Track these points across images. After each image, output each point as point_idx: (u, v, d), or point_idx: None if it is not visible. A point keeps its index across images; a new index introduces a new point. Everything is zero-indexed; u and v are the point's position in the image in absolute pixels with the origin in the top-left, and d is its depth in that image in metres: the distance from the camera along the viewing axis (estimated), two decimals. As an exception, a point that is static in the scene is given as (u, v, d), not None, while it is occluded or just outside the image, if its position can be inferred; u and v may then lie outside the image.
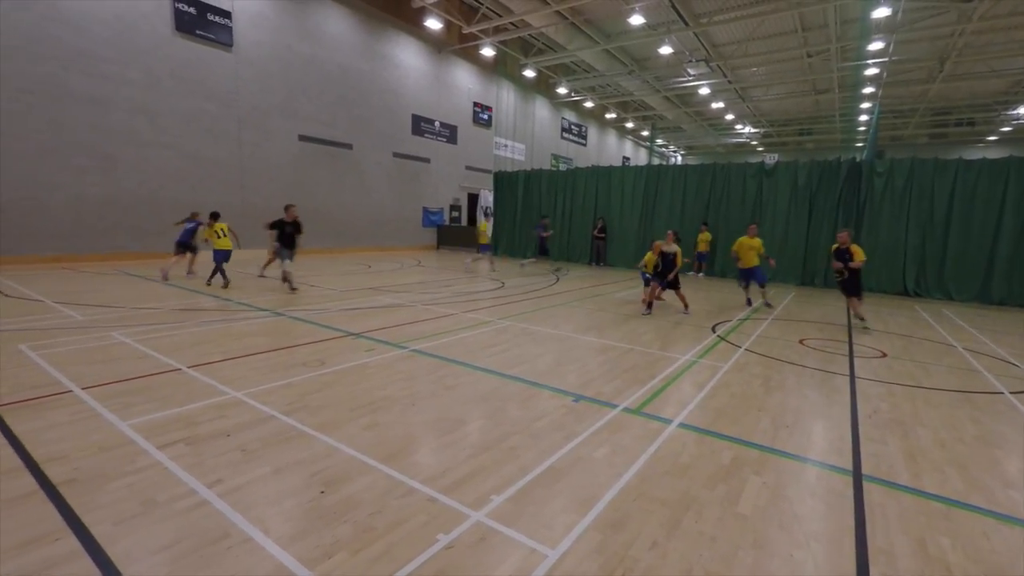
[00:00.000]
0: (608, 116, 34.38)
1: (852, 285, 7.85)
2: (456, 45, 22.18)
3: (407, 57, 20.90)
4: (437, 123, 22.68)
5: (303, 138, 17.47)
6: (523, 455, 3.22)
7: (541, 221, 16.31)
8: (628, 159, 40.64)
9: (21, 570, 2.03)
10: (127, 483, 2.70)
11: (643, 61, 24.00)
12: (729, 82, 24.94)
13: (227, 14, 14.90)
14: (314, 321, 6.87)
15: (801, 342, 6.84)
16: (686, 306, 8.65)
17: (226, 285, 9.39)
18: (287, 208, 9.50)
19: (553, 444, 3.39)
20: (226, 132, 15.36)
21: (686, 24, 18.14)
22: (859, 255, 7.72)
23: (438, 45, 22.02)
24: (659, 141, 41.77)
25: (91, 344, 5.33)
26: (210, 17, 14.54)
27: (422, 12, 19.68)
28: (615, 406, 4.15)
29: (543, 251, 16.11)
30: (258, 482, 2.76)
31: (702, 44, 20.54)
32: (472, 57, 23.65)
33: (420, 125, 21.86)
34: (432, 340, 6.09)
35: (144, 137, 13.52)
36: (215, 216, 10.07)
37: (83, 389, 4.00)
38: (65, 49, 12.05)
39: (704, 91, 26.01)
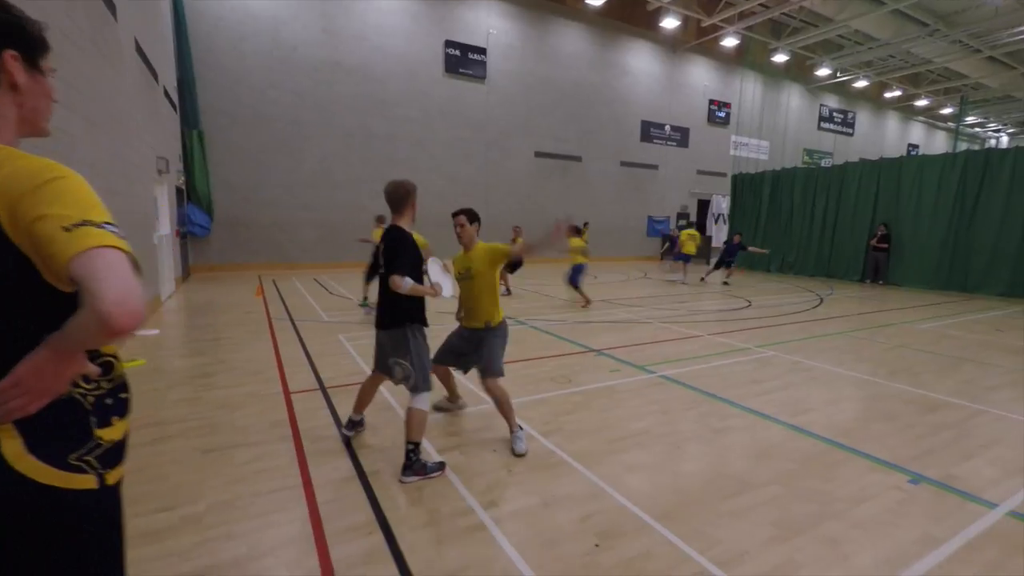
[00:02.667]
0: (888, 95, 27.48)
1: None
2: (693, 41, 20.70)
3: (638, 62, 20.43)
4: (667, 127, 21.56)
5: (538, 154, 18.67)
6: (853, 555, 2.32)
7: (733, 240, 13.33)
8: (916, 147, 31.71)
9: (346, 560, 2.22)
10: (417, 486, 2.86)
11: (953, 15, 18.22)
12: (1118, 20, 16.93)
13: (483, 51, 16.93)
14: (554, 333, 6.92)
15: None
16: None
17: None
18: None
19: (898, 548, 2.38)
20: (476, 154, 17.47)
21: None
22: None
23: (673, 44, 20.92)
24: (969, 119, 31.39)
25: (383, 338, 6.37)
26: (470, 56, 16.74)
27: (657, 13, 18.96)
28: (991, 505, 2.79)
29: (720, 264, 13.41)
30: (529, 514, 2.60)
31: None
32: (710, 51, 21.76)
33: (649, 131, 21.10)
34: (681, 366, 5.40)
35: (418, 164, 16.33)
36: (381, 220, 10.15)
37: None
38: (371, 100, 15.42)
39: (1065, 40, 18.27)
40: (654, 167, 21.57)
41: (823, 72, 23.59)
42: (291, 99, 14.35)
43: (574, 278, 9.25)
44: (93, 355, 1.04)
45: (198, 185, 13.07)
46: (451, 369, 3.77)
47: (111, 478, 1.07)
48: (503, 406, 3.32)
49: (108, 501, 1.08)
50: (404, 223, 3.08)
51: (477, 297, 3.42)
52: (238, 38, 13.55)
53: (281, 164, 14.45)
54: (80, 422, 1.03)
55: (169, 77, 10.97)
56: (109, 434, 1.07)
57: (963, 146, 29.94)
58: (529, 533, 2.45)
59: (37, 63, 1.04)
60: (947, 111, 30.66)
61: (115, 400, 1.10)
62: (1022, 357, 6.13)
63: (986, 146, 31.90)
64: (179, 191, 11.79)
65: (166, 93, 10.24)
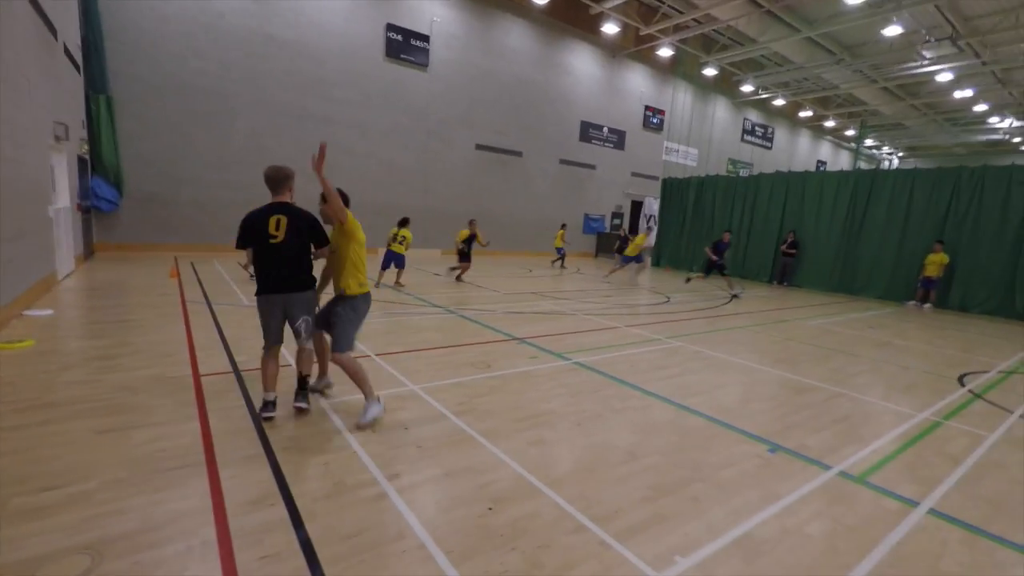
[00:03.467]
0: (802, 115, 30.04)
1: None
2: (631, 48, 21.57)
3: (580, 64, 21.00)
4: (605, 129, 22.36)
5: (479, 147, 18.74)
6: (710, 510, 2.70)
7: (723, 239, 12.25)
8: (824, 164, 34.96)
9: (244, 528, 2.29)
10: (324, 461, 2.95)
11: (856, 47, 20.30)
12: (983, 63, 19.57)
13: (426, 38, 16.72)
14: (481, 322, 7.13)
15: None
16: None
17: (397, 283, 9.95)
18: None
19: (748, 504, 2.79)
20: (416, 142, 17.26)
21: (926, -4, 14.71)
22: None
23: (612, 50, 21.68)
24: (868, 142, 35.05)
25: (306, 323, 6.26)
26: (413, 42, 16.47)
27: (599, 17, 19.56)
28: (827, 467, 3.32)
29: (712, 269, 12.67)
30: (431, 483, 2.78)
31: (947, 19, 16.46)
32: (647, 59, 22.76)
33: (588, 131, 21.78)
34: (595, 354, 5.79)
35: (357, 148, 15.91)
36: (404, 222, 10.00)
37: (298, 364, 4.65)
38: (307, 78, 14.80)
39: (944, 77, 20.89)
40: (592, 167, 22.32)
41: (747, 88, 25.40)
42: (217, 69, 13.47)
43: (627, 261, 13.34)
44: None
45: (105, 156, 11.98)
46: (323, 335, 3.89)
47: None
48: (353, 377, 3.45)
49: None
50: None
51: (334, 267, 3.63)
52: (156, -1, 12.50)
53: (204, 139, 13.55)
54: None
55: (71, 34, 9.96)
56: None
57: (862, 165, 33.43)
58: (428, 500, 2.62)
59: None
60: (850, 132, 34.02)
61: None
62: (884, 350, 7.10)
63: (881, 166, 35.82)
64: (82, 161, 10.77)
65: (67, 51, 9.30)
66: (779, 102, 27.25)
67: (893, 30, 16.26)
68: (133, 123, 12.50)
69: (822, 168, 34.11)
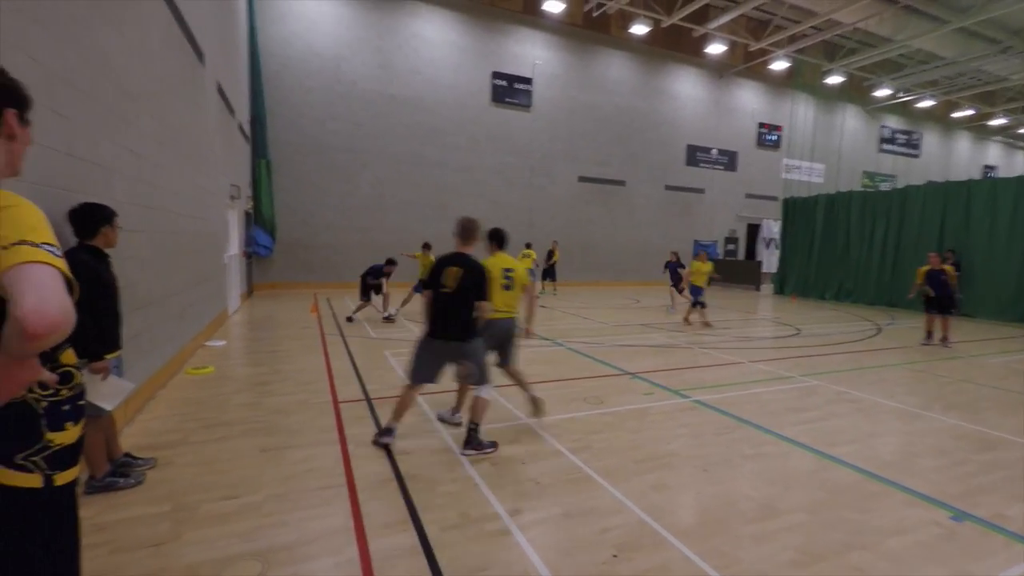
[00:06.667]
0: (957, 115, 25.97)
1: None
2: (740, 65, 20.55)
3: (684, 87, 20.47)
4: (714, 151, 21.33)
5: (582, 179, 18.93)
6: (878, 585, 2.30)
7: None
8: (994, 169, 29.59)
9: (382, 550, 2.45)
10: (448, 490, 3.07)
11: (1029, 31, 17.19)
12: None
13: (528, 80, 17.56)
14: (590, 355, 7.02)
15: None
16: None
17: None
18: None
19: (929, 582, 2.33)
20: (520, 179, 17.95)
21: None
22: None
23: (719, 69, 20.85)
24: (1054, 138, 29.02)
25: (425, 355, 6.69)
26: (516, 86, 17.40)
27: (704, 39, 19.03)
28: (1039, 546, 2.66)
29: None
30: (552, 523, 2.74)
31: None
32: (759, 74, 21.51)
33: (695, 155, 20.95)
34: (717, 391, 5.37)
35: (465, 189, 16.98)
36: (427, 247, 10.16)
37: (421, 395, 4.94)
38: (423, 128, 16.29)
39: None
40: (700, 191, 21.31)
41: (883, 92, 22.68)
42: (349, 129, 15.42)
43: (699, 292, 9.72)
44: (54, 365, 1.15)
45: (264, 209, 14.20)
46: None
47: (60, 479, 1.16)
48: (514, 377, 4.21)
49: (56, 501, 1.15)
50: (470, 251, 3.72)
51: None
52: (304, 75, 14.79)
53: (337, 189, 15.46)
54: (31, 424, 1.12)
55: (243, 113, 12.14)
56: (61, 438, 1.15)
57: (1048, 167, 27.72)
58: (550, 540, 2.58)
59: (26, 117, 1.18)
60: (1028, 130, 28.53)
61: (72, 407, 1.20)
62: (1105, 397, 5.62)
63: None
64: (247, 215, 12.87)
65: (240, 128, 11.34)
66: (926, 103, 23.88)
67: (1081, 6, 13.57)
68: (284, 179, 14.70)
69: (991, 174, 28.87)
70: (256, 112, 13.73)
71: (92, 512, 2.69)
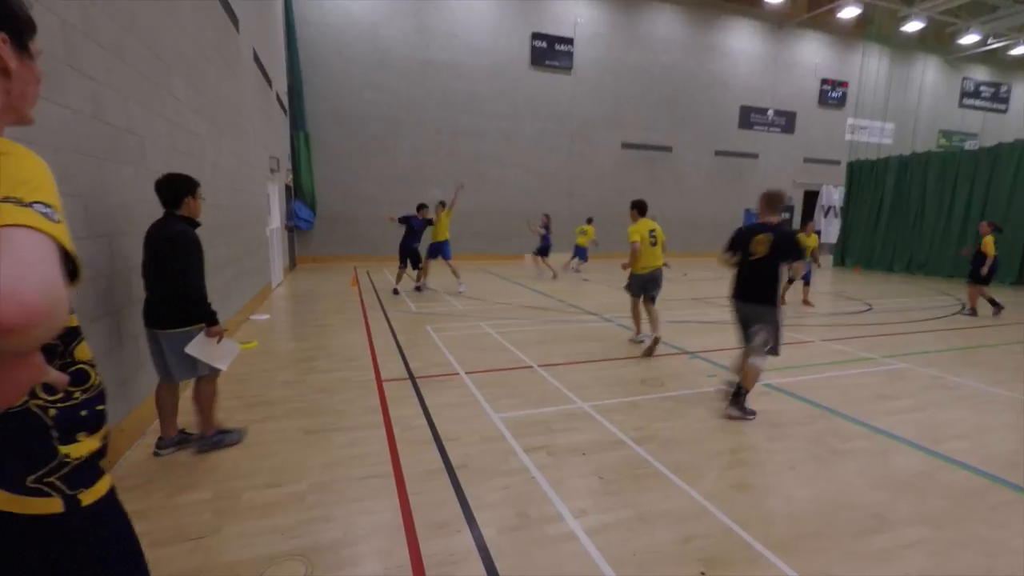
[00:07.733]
0: (1055, 63, 22.95)
1: None
2: (803, 15, 18.73)
3: (738, 43, 18.90)
4: (770, 112, 19.78)
5: (625, 145, 17.99)
6: (1037, 626, 1.86)
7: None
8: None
9: (435, 555, 2.19)
10: (503, 484, 2.78)
11: None
12: None
13: (570, 40, 16.59)
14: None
15: None
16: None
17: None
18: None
19: (1105, 625, 1.87)
20: (561, 147, 17.21)
21: None
22: None
23: (779, 21, 19.09)
24: None
25: (468, 332, 6.44)
26: (557, 47, 16.49)
27: (763, -13, 17.36)
28: None
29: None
30: (624, 528, 2.41)
31: None
32: (824, 25, 19.59)
33: (749, 117, 19.50)
34: (789, 374, 4.85)
35: (504, 159, 16.44)
36: (443, 205, 9.77)
37: (466, 374, 4.70)
38: (461, 96, 15.74)
39: None
40: (754, 156, 19.90)
41: (969, 40, 20.23)
42: (387, 99, 15.07)
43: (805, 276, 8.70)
44: (65, 362, 0.90)
45: (304, 183, 14.18)
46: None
47: (88, 497, 0.92)
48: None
49: (84, 525, 0.92)
50: (775, 220, 3.79)
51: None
52: (341, 44, 14.45)
53: (376, 161, 15.26)
54: (39, 438, 0.88)
55: (280, 83, 11.97)
56: (79, 450, 0.92)
57: None
58: (625, 550, 2.26)
59: (27, 46, 0.90)
60: None
61: (90, 413, 0.95)
62: None
63: None
64: (287, 188, 12.87)
65: (278, 98, 11.17)
66: (1019, 50, 21.17)
67: None
68: (323, 152, 14.59)
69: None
70: (293, 83, 13.55)
71: (136, 496, 2.56)
